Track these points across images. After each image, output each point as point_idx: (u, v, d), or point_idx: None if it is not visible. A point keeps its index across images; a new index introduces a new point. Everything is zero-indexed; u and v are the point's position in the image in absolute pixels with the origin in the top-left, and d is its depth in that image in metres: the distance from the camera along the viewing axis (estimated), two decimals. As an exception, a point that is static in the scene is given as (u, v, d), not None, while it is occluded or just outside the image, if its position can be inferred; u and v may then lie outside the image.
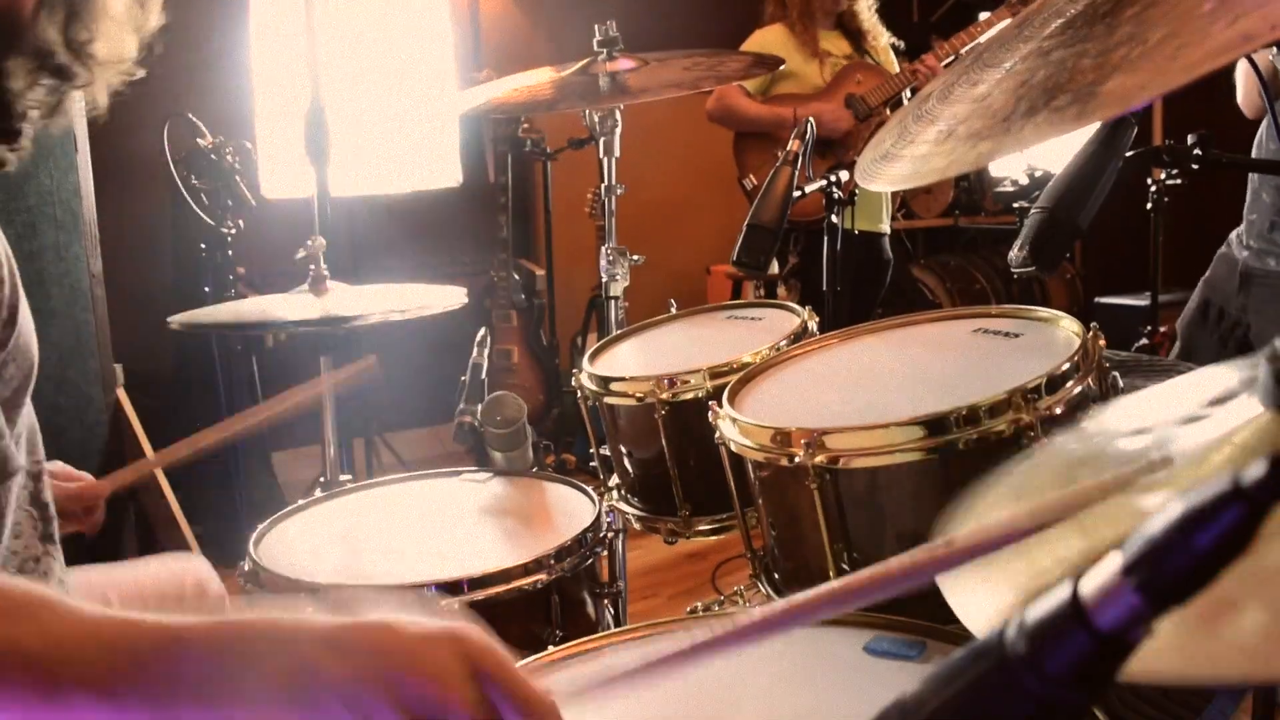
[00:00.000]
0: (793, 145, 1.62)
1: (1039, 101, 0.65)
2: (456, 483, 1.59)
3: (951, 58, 3.09)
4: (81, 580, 1.08)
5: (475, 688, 0.60)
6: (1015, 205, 4.90)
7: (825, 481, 1.09)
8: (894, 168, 0.84)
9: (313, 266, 1.82)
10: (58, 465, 1.32)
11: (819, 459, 1.08)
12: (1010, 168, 5.22)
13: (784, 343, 1.51)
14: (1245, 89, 2.24)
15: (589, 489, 1.47)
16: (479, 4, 4.60)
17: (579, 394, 1.63)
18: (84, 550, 1.22)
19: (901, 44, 3.47)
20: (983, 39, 2.93)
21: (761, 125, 3.22)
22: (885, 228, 3.38)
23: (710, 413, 1.26)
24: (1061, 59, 0.68)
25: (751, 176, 3.31)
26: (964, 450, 1.03)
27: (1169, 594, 0.35)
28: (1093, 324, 1.15)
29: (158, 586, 1.35)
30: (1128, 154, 1.09)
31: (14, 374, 0.93)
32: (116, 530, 2.37)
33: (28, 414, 0.97)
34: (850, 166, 1.83)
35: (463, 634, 0.61)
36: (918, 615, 0.93)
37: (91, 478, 1.34)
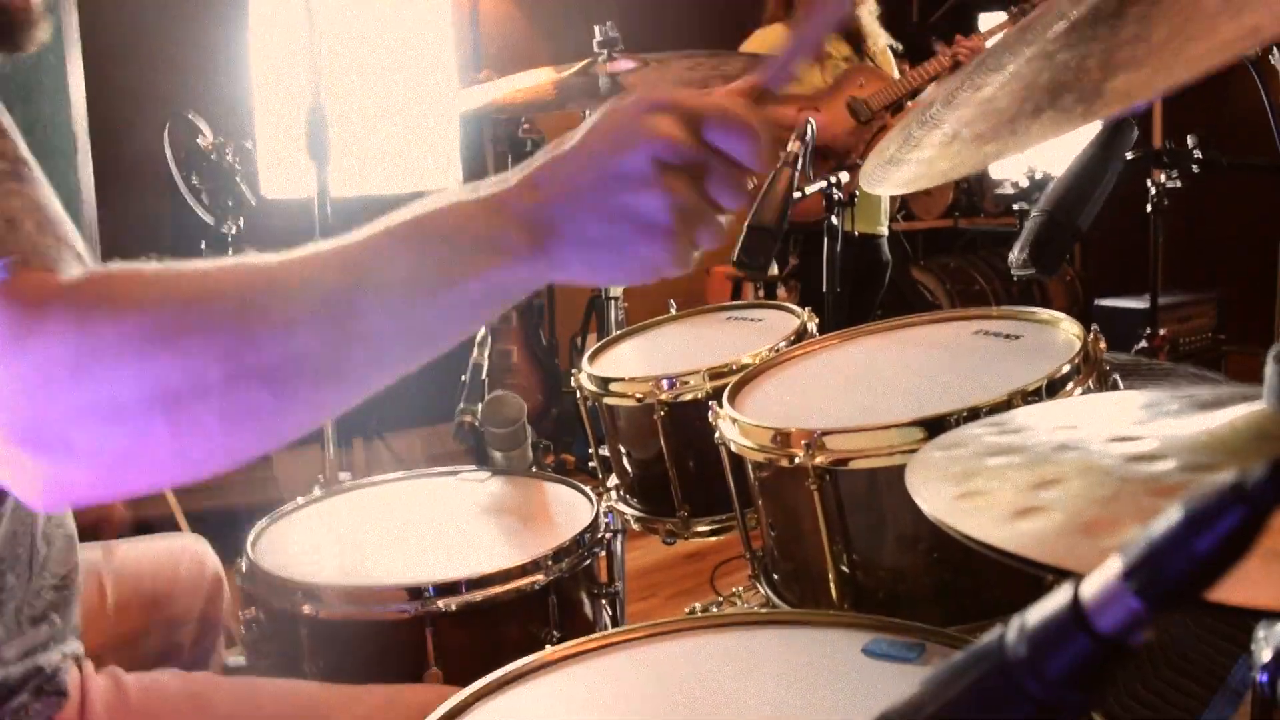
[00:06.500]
0: (793, 146, 1.62)
1: (1044, 101, 0.65)
2: (455, 482, 1.59)
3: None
4: (80, 558, 1.08)
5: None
6: (1015, 207, 4.91)
7: (825, 482, 1.09)
8: (899, 171, 0.84)
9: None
10: None
11: (819, 460, 1.08)
12: (1010, 170, 5.22)
13: (784, 344, 1.51)
14: None
15: (588, 489, 1.47)
16: (479, 4, 4.60)
17: (578, 394, 1.63)
18: (83, 533, 1.22)
19: (900, 46, 3.48)
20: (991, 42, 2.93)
21: None
22: (883, 230, 3.39)
23: (710, 412, 1.26)
24: (1066, 60, 0.68)
25: (752, 176, 3.31)
26: (964, 452, 1.03)
27: (1169, 598, 0.35)
28: (1093, 326, 1.15)
29: (156, 565, 1.35)
30: (1128, 156, 1.09)
31: None
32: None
33: None
34: (851, 168, 1.82)
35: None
36: (917, 618, 0.93)
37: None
